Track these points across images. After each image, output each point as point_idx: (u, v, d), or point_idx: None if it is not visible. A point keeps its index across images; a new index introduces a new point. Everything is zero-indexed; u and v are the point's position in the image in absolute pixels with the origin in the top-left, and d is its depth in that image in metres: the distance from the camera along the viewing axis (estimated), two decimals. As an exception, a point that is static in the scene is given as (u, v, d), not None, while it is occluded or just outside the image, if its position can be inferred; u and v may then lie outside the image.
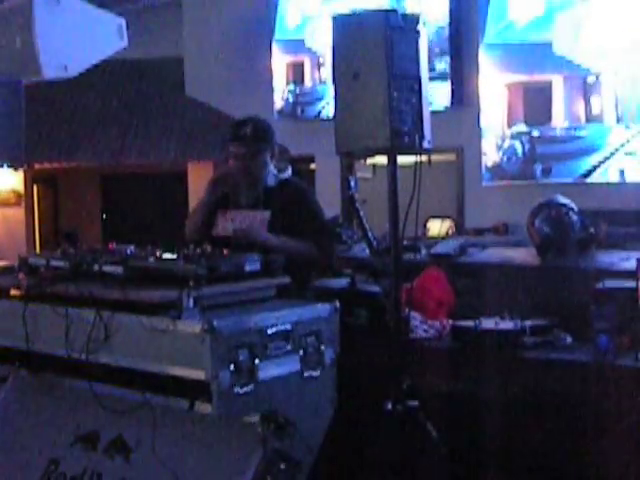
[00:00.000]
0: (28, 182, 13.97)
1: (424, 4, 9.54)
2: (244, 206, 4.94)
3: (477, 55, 9.91)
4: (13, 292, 4.63)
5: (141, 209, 13.91)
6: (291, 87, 11.85)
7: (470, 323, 4.80)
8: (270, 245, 4.60)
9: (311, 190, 5.18)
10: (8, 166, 6.71)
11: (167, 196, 13.39)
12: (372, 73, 4.19)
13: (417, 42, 4.26)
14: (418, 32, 4.25)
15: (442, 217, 10.17)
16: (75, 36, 5.24)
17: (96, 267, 4.22)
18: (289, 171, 5.08)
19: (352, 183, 5.53)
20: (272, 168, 4.94)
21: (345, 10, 4.45)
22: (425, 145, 4.28)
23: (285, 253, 4.41)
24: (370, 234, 5.49)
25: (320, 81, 11.39)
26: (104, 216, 14.83)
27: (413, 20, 4.26)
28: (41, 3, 5.08)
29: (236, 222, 4.84)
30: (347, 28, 4.30)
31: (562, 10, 9.30)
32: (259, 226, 4.78)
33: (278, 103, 11.91)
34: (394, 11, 4.22)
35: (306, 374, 4.03)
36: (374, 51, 4.17)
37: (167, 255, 4.21)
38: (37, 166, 12.90)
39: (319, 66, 11.39)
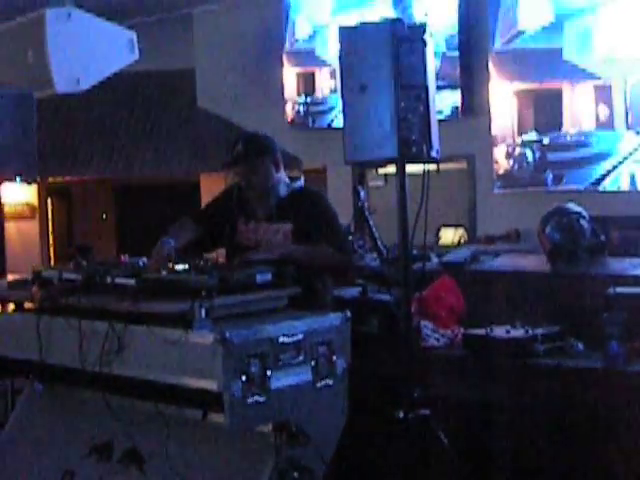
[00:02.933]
0: (42, 195, 14.01)
1: (433, 13, 9.55)
2: (260, 218, 4.94)
3: (487, 63, 9.91)
4: (27, 305, 4.67)
5: (154, 221, 13.89)
6: (302, 98, 11.87)
7: (481, 331, 4.81)
8: (297, 257, 4.56)
9: (325, 196, 5.15)
10: (21, 180, 6.73)
11: (180, 208, 13.38)
12: (379, 83, 4.21)
13: (424, 52, 4.28)
14: (425, 42, 4.27)
15: (454, 225, 10.16)
16: (87, 50, 5.28)
17: (109, 279, 4.25)
18: (302, 181, 5.07)
19: (361, 193, 5.54)
20: (283, 178, 4.94)
21: (355, 20, 4.48)
22: (433, 154, 4.30)
23: (313, 263, 4.54)
24: (380, 243, 5.50)
25: (331, 91, 11.41)
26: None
27: (420, 30, 4.29)
28: (53, 18, 5.12)
29: (259, 234, 4.86)
30: (354, 39, 4.32)
31: (572, 17, 9.29)
32: (282, 238, 4.80)
33: (289, 114, 11.93)
34: (400, 21, 4.24)
35: (318, 384, 4.04)
36: (381, 61, 4.20)
37: (179, 266, 4.24)
38: (51, 179, 12.95)
39: (330, 76, 11.40)
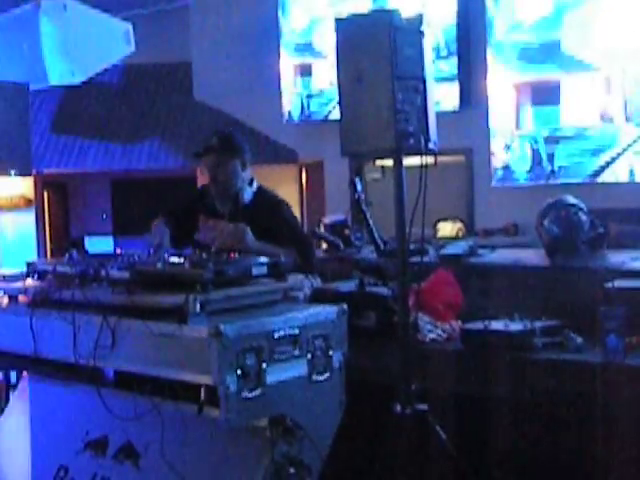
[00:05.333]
0: (38, 188, 13.99)
1: (431, 5, 9.52)
2: (221, 216, 5.09)
3: (485, 55, 9.89)
4: (21, 298, 4.64)
5: (151, 213, 13.85)
6: (299, 90, 11.85)
7: (479, 325, 4.78)
8: (254, 250, 4.66)
9: (288, 204, 5.29)
10: (16, 174, 6.70)
11: (177, 201, 13.33)
12: (376, 75, 4.17)
13: (421, 43, 4.24)
14: (422, 33, 4.24)
15: (452, 219, 10.15)
16: (82, 42, 5.26)
17: (103, 272, 4.22)
18: (256, 183, 5.24)
19: (358, 186, 5.51)
20: (247, 179, 5.16)
21: (352, 11, 4.44)
22: (431, 146, 4.26)
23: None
24: (377, 236, 5.47)
25: (328, 83, 11.38)
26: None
27: (417, 21, 4.25)
28: (48, 10, 5.10)
29: (218, 231, 4.93)
30: (350, 30, 4.29)
31: (570, 9, 9.27)
32: (242, 234, 4.87)
33: (286, 106, 11.91)
34: (397, 12, 4.20)
35: (314, 378, 4.02)
36: (378, 53, 4.16)
37: (174, 259, 4.21)
38: (46, 171, 12.92)
39: (327, 68, 11.38)
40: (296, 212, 12.43)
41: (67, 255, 4.65)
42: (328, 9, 11.20)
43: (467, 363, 4.76)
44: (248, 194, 5.15)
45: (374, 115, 4.20)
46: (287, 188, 12.79)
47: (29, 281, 4.61)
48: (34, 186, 13.79)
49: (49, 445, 4.63)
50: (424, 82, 4.26)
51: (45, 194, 14.34)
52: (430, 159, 4.24)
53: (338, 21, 4.36)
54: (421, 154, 4.21)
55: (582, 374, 4.41)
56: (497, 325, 4.74)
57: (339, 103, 4.40)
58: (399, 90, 4.15)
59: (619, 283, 4.65)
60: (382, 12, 4.29)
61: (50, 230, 14.30)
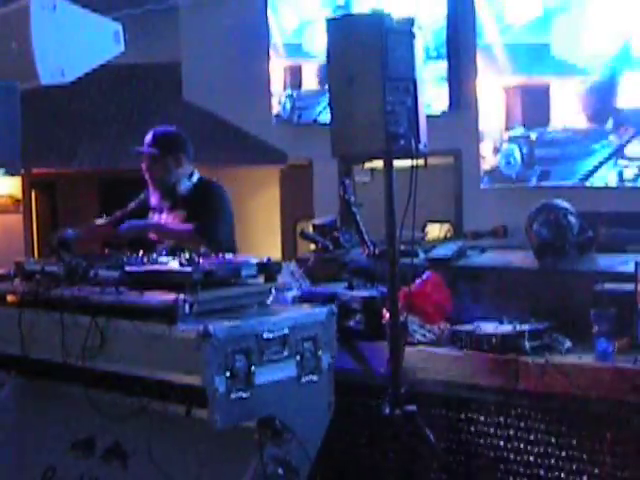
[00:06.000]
0: (26, 187, 13.93)
1: (421, 7, 9.52)
2: (160, 210, 5.40)
3: (475, 58, 9.89)
4: (9, 298, 4.62)
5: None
6: (289, 91, 11.83)
7: (469, 327, 4.78)
8: (153, 229, 5.13)
9: (221, 189, 5.54)
10: (4, 173, 6.67)
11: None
12: (367, 76, 4.16)
13: (412, 44, 4.23)
14: (413, 34, 4.23)
15: (440, 221, 10.14)
16: (72, 41, 5.24)
17: (92, 273, 4.21)
18: (197, 174, 5.49)
19: (348, 187, 5.51)
20: (185, 173, 5.39)
21: (342, 12, 4.44)
22: (421, 148, 4.26)
23: (166, 236, 5.15)
24: (367, 238, 5.47)
25: (318, 85, 11.37)
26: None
27: (408, 22, 4.25)
28: (38, 9, 5.07)
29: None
30: (342, 31, 4.27)
31: (560, 12, 9.28)
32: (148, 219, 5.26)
33: (276, 108, 11.90)
34: (388, 14, 4.20)
35: (303, 379, 4.02)
36: (369, 54, 4.15)
37: (163, 259, 4.20)
38: (35, 171, 12.87)
39: (317, 70, 11.36)
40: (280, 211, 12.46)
41: (55, 254, 4.65)
42: (319, 11, 11.18)
43: (456, 365, 4.76)
44: (187, 186, 5.35)
45: (365, 116, 4.19)
46: (274, 189, 12.80)
47: (17, 281, 4.59)
48: (22, 186, 13.73)
49: (36, 445, 4.62)
50: (415, 84, 4.25)
51: (33, 194, 14.29)
52: (420, 161, 4.24)
53: (329, 21, 4.36)
54: (411, 157, 4.21)
55: (571, 377, 4.41)
56: (486, 327, 4.74)
57: (330, 104, 4.39)
58: (390, 91, 4.14)
59: (608, 286, 4.65)
60: (373, 13, 4.27)
61: (38, 230, 14.25)
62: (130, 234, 5.07)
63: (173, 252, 4.48)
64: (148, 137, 5.35)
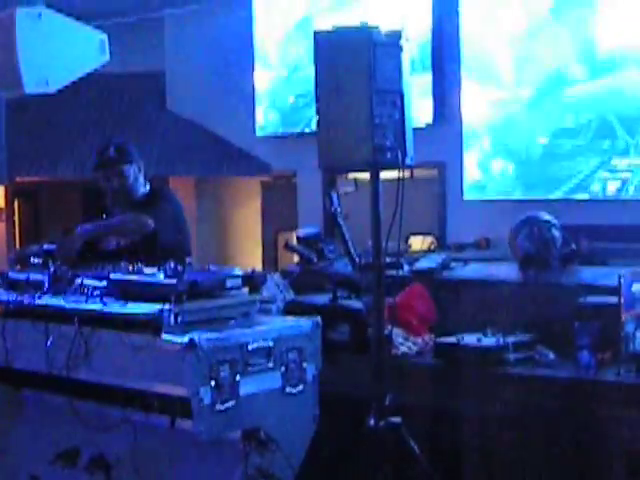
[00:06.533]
0: (9, 197, 13.89)
1: (406, 20, 9.54)
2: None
3: (459, 71, 9.92)
4: (-7, 308, 4.60)
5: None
6: (273, 103, 11.84)
7: (452, 339, 4.79)
8: (93, 232, 5.08)
9: (173, 195, 5.73)
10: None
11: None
12: (354, 88, 4.17)
13: (400, 57, 4.25)
14: (401, 47, 4.25)
15: (424, 233, 10.16)
16: (57, 51, 5.23)
17: (77, 282, 4.20)
18: (147, 185, 5.55)
19: (334, 199, 5.51)
20: (141, 181, 5.48)
21: (324, 26, 4.45)
22: (408, 161, 4.27)
23: (111, 231, 5.21)
24: (352, 249, 5.47)
25: (303, 96, 11.37)
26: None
27: (396, 36, 4.26)
28: (23, 17, 5.06)
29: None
30: (330, 44, 4.28)
31: (545, 26, 9.32)
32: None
33: (260, 118, 11.90)
34: (377, 27, 4.21)
35: (288, 390, 4.02)
36: (356, 66, 4.16)
37: (148, 270, 4.20)
38: (18, 179, 12.82)
39: (302, 81, 11.37)
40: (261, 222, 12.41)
41: (38, 263, 4.64)
42: (305, 22, 11.20)
43: (440, 377, 4.77)
44: (142, 193, 5.46)
45: (352, 128, 4.20)
46: (256, 200, 12.80)
47: (1, 290, 4.58)
48: (5, 194, 13.69)
49: (20, 455, 4.60)
50: (402, 96, 4.27)
51: (16, 202, 14.24)
52: (406, 173, 4.25)
53: (317, 34, 4.36)
54: (398, 168, 4.22)
55: (554, 389, 4.43)
56: (470, 339, 4.75)
57: (317, 116, 4.39)
58: (377, 104, 4.15)
59: (591, 299, 4.68)
60: (361, 27, 4.28)
61: (21, 238, 14.20)
62: (84, 237, 5.05)
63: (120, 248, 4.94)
64: (110, 152, 5.39)
